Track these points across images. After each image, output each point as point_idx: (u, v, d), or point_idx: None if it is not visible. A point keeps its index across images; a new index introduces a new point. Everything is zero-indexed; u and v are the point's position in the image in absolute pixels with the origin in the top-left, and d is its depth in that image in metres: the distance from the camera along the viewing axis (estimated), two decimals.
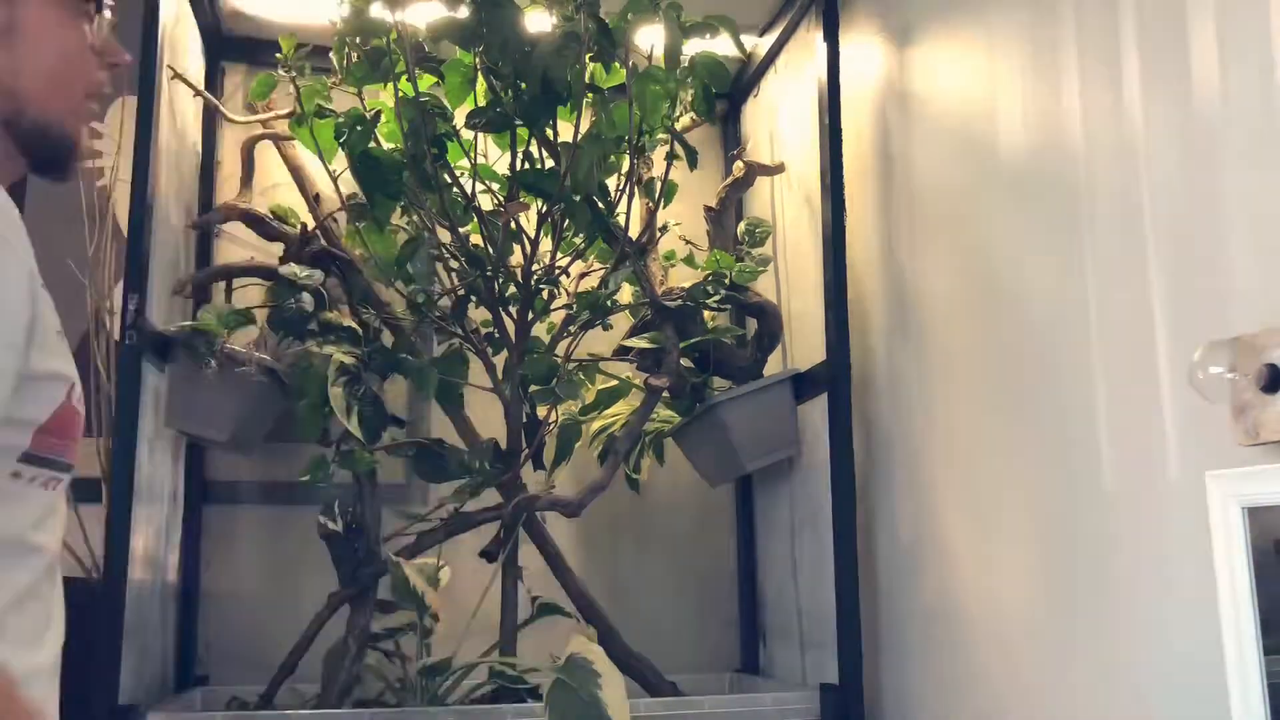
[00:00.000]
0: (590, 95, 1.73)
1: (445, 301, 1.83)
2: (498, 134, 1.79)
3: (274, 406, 1.85)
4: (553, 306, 1.85)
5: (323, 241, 1.93)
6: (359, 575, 1.71)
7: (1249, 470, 0.99)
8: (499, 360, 1.84)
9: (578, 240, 1.85)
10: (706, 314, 1.96)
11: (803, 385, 1.92)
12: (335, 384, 1.69)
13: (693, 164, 1.78)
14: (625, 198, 1.80)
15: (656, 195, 1.86)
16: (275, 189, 2.10)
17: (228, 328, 1.76)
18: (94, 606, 1.55)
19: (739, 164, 2.03)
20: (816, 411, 1.86)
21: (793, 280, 2.15)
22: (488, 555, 1.75)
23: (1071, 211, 1.31)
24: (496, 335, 1.82)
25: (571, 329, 1.86)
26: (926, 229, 1.69)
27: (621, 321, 2.00)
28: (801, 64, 2.10)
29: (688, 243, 2.05)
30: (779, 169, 2.12)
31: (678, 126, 1.83)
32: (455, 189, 1.78)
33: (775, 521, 2.21)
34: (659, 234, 1.95)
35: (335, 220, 1.97)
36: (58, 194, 2.13)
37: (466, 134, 1.78)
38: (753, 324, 2.05)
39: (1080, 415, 1.28)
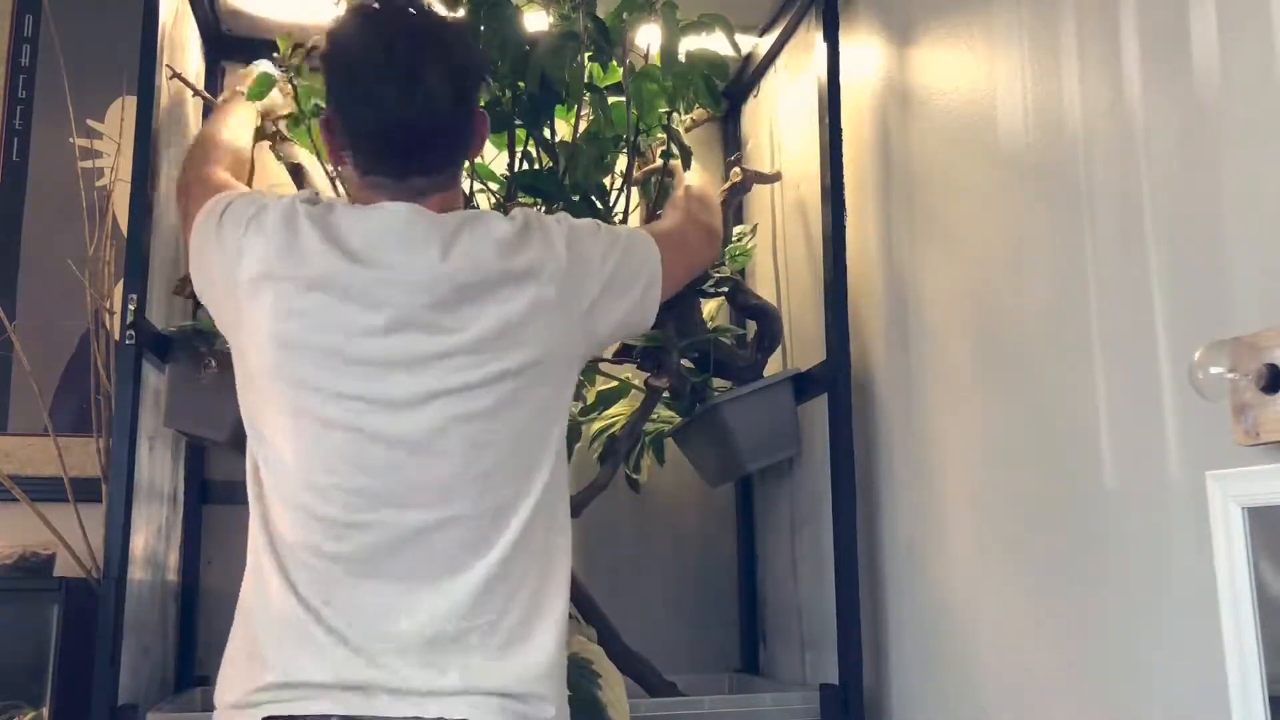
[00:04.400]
0: (588, 94, 1.73)
1: None
2: (495, 133, 1.79)
3: None
4: None
5: None
6: None
7: (1249, 470, 0.98)
8: None
9: None
10: (706, 314, 1.96)
11: (803, 385, 1.91)
12: None
13: (687, 164, 1.77)
14: (623, 197, 1.80)
15: (654, 194, 1.86)
16: (275, 189, 2.10)
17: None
18: (94, 606, 1.55)
19: (736, 170, 2.03)
20: (816, 411, 1.86)
21: (793, 280, 2.15)
22: None
23: (1072, 211, 1.31)
24: None
25: None
26: (927, 228, 1.69)
27: None
28: (801, 64, 2.10)
29: None
30: (775, 177, 2.12)
31: (682, 125, 1.83)
32: None
33: (775, 521, 2.21)
34: None
35: None
36: (58, 194, 2.14)
37: None
38: (753, 325, 2.05)
39: (1080, 415, 1.28)
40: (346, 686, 1.08)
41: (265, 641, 1.13)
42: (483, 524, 1.15)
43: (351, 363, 1.14)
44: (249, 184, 2.03)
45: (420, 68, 1.18)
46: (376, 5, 1.25)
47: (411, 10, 1.24)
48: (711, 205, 1.68)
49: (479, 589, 1.13)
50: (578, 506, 1.78)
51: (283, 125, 1.90)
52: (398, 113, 1.18)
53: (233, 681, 1.15)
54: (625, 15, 1.71)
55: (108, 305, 1.97)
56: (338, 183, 1.83)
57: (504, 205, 1.79)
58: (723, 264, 1.90)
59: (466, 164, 1.34)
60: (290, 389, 1.15)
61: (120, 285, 1.81)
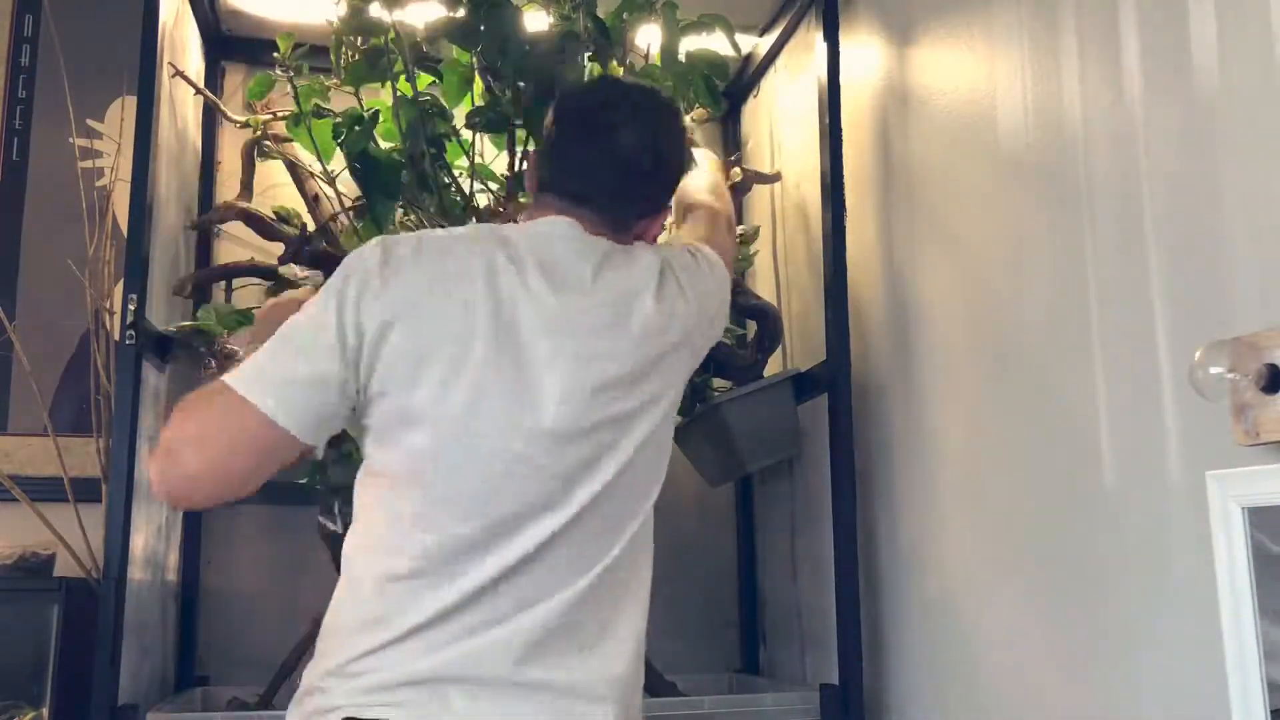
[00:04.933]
0: None
1: None
2: (495, 134, 1.79)
3: None
4: None
5: (323, 242, 1.93)
6: None
7: (1249, 470, 0.98)
8: None
9: None
10: None
11: (803, 385, 1.91)
12: None
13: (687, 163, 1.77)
14: None
15: None
16: (275, 189, 2.11)
17: (227, 328, 1.76)
18: (94, 606, 1.56)
19: (736, 170, 2.03)
20: (816, 411, 1.86)
21: (793, 281, 2.15)
22: None
23: (1072, 211, 1.31)
24: None
25: None
26: (927, 228, 1.69)
27: None
28: (801, 64, 2.10)
29: None
30: (775, 177, 2.11)
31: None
32: (453, 188, 1.77)
33: (775, 521, 2.21)
34: None
35: (335, 220, 1.97)
36: (58, 194, 2.14)
37: (465, 133, 1.78)
38: (753, 325, 2.05)
39: (1080, 415, 1.28)
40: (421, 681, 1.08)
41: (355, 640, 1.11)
42: (598, 542, 1.16)
43: (526, 394, 1.14)
44: (249, 184, 2.04)
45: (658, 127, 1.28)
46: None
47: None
48: (727, 197, 1.70)
49: (577, 598, 1.14)
50: None
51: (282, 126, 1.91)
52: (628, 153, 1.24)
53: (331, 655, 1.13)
54: (625, 15, 1.71)
55: (108, 305, 1.97)
56: (337, 183, 1.83)
57: (503, 205, 1.79)
58: None
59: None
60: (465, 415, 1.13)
61: (120, 285, 1.81)
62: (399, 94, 1.70)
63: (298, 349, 1.11)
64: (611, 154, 1.24)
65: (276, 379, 1.09)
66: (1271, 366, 0.93)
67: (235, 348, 1.72)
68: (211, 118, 2.19)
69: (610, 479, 1.16)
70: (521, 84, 1.68)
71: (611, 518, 1.18)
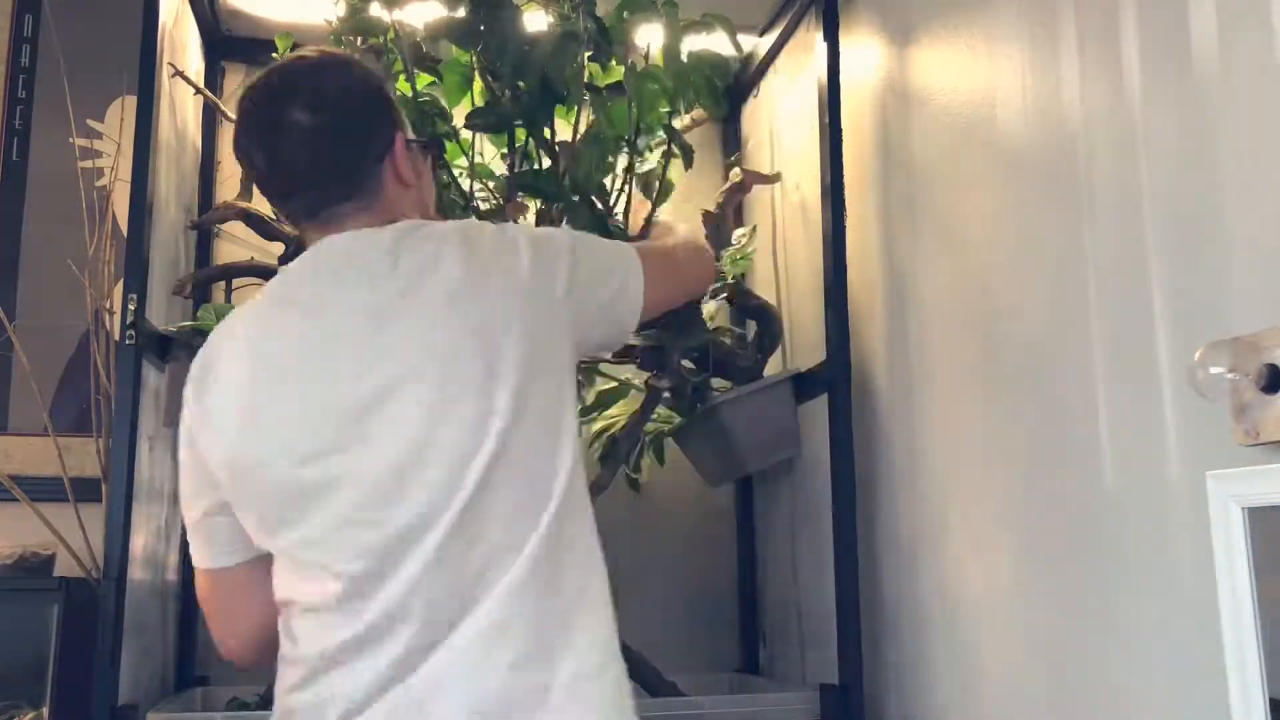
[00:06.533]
0: (589, 94, 1.73)
1: None
2: (495, 134, 1.78)
3: None
4: None
5: None
6: None
7: (1249, 470, 0.98)
8: None
9: None
10: (706, 314, 1.96)
11: (803, 385, 1.91)
12: None
13: (688, 162, 1.77)
14: (624, 196, 1.80)
15: (654, 193, 1.86)
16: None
17: None
18: (94, 606, 1.56)
19: (736, 170, 2.03)
20: (816, 411, 1.86)
21: (793, 281, 2.15)
22: None
23: (1072, 211, 1.31)
24: None
25: None
26: (927, 228, 1.69)
27: None
28: (801, 64, 2.10)
29: None
30: (775, 178, 2.11)
31: (680, 125, 1.83)
32: (453, 189, 1.77)
33: (775, 521, 2.21)
34: None
35: None
36: (58, 194, 2.14)
37: (465, 133, 1.78)
38: (753, 325, 2.05)
39: (1080, 415, 1.28)
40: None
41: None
42: (498, 549, 1.14)
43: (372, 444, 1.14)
44: (249, 184, 2.03)
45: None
46: None
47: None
48: (696, 229, 1.65)
49: (497, 613, 1.11)
50: None
51: None
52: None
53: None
54: (625, 15, 1.71)
55: (108, 305, 1.97)
56: None
57: (503, 205, 1.79)
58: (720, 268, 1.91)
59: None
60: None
61: (120, 285, 1.81)
62: (399, 94, 1.70)
63: (183, 496, 1.20)
64: (275, 141, 1.16)
65: (190, 531, 1.20)
66: (1271, 366, 0.93)
67: None
68: (211, 118, 2.19)
69: (478, 481, 1.09)
70: (521, 84, 1.68)
71: (502, 520, 1.11)
